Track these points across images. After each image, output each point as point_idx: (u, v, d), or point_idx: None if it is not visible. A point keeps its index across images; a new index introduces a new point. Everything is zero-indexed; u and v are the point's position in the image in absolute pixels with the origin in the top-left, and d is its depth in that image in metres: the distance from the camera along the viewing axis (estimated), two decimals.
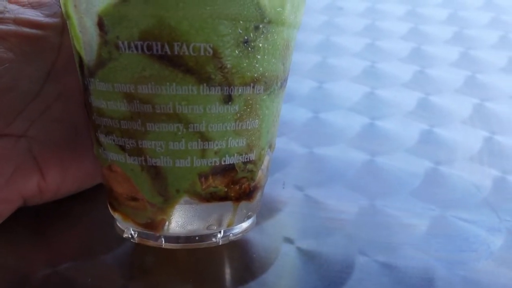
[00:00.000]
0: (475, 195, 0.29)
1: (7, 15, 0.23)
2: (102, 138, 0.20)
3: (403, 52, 0.47)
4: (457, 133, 0.35)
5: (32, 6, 0.24)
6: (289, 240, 0.25)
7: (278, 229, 0.26)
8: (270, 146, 0.22)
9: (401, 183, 0.30)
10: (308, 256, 0.24)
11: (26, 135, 0.23)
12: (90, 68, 0.19)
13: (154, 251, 0.24)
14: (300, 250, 0.24)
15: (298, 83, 0.40)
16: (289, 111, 0.36)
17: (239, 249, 0.24)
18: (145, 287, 0.22)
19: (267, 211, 0.27)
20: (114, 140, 0.20)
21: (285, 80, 0.22)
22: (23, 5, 0.24)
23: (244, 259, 0.24)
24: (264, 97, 0.20)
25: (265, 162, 0.22)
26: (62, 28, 0.24)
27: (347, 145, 0.33)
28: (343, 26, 0.52)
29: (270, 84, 0.20)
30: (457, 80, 0.42)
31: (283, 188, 0.29)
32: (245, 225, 0.23)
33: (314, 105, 0.38)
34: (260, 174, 0.22)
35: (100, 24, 0.18)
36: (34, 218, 0.25)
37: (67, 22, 0.20)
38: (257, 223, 0.26)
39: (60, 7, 0.24)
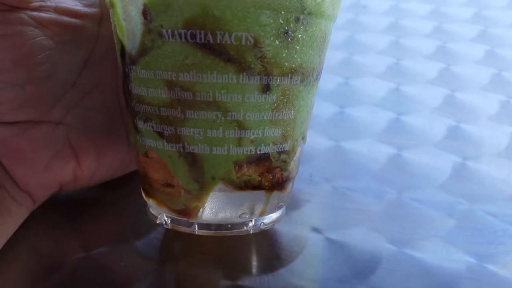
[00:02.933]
0: (503, 190, 0.29)
1: (48, 3, 0.23)
2: (140, 124, 0.21)
3: (428, 49, 0.47)
4: (484, 129, 0.35)
5: None
6: (317, 230, 0.25)
7: (307, 219, 0.26)
8: (303, 138, 0.22)
9: (428, 177, 0.30)
10: (336, 246, 0.24)
11: (63, 123, 0.23)
12: (132, 56, 0.20)
13: (185, 237, 0.24)
14: (328, 240, 0.25)
15: (324, 79, 0.40)
16: (315, 105, 0.36)
17: (268, 237, 0.25)
18: (176, 272, 0.23)
19: (295, 202, 0.27)
20: (152, 127, 0.20)
21: (320, 72, 0.22)
22: None
23: (274, 247, 0.24)
24: (301, 88, 0.20)
25: (297, 153, 0.22)
26: (100, 18, 0.24)
27: (373, 139, 0.33)
28: (368, 24, 0.52)
29: (306, 75, 0.20)
30: (483, 78, 0.42)
31: (311, 179, 0.29)
32: (275, 215, 0.23)
33: (340, 100, 0.38)
34: (292, 165, 0.22)
35: (145, 13, 0.19)
36: (67, 205, 0.26)
37: (110, 10, 0.21)
38: (286, 214, 0.26)
39: None
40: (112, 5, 0.20)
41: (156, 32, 0.19)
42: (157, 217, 0.22)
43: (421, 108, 0.37)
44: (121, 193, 0.27)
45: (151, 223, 0.24)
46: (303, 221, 0.26)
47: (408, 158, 0.31)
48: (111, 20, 0.21)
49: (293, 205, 0.27)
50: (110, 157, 0.25)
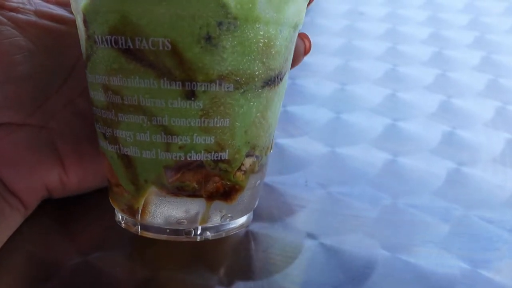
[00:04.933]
0: (498, 195, 0.29)
1: (28, 6, 0.23)
2: (95, 126, 0.22)
3: (425, 56, 0.47)
4: (479, 135, 0.35)
5: (58, 3, 0.25)
6: (312, 236, 0.25)
7: (302, 225, 0.26)
8: (254, 148, 0.21)
9: (424, 182, 0.30)
10: (331, 252, 0.24)
11: (48, 127, 0.24)
12: (84, 62, 0.21)
13: (181, 243, 0.24)
14: (323, 245, 0.25)
15: (320, 85, 0.41)
16: (311, 112, 0.37)
17: (264, 243, 0.25)
18: (172, 277, 0.23)
19: (290, 208, 0.27)
20: (99, 128, 0.21)
21: (271, 80, 0.21)
22: (48, 1, 0.25)
23: (269, 252, 0.24)
24: (237, 95, 0.20)
25: (247, 164, 0.21)
26: None
27: (369, 145, 0.33)
28: (365, 30, 0.52)
29: (244, 82, 0.20)
30: (479, 84, 0.42)
31: (306, 185, 0.29)
32: (230, 224, 0.22)
33: (336, 106, 0.38)
34: (240, 175, 0.21)
35: (84, 21, 0.20)
36: (62, 211, 0.26)
37: None
38: (280, 219, 0.26)
39: None
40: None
41: (92, 39, 0.19)
42: (116, 216, 0.23)
43: (417, 114, 0.37)
44: None
45: None
46: (298, 226, 0.26)
47: (404, 164, 0.31)
48: None
49: (288, 211, 0.27)
50: (96, 164, 0.25)
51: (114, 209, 0.23)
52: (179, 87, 0.19)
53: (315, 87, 0.40)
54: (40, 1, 0.24)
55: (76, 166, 0.24)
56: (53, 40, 0.24)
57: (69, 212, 0.26)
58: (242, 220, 0.23)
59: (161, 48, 0.18)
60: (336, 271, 0.23)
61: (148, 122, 0.19)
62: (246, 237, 0.25)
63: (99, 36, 0.19)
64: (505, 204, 0.28)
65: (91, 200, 0.27)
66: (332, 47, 0.48)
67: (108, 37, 0.19)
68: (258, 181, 0.23)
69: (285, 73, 0.22)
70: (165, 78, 0.19)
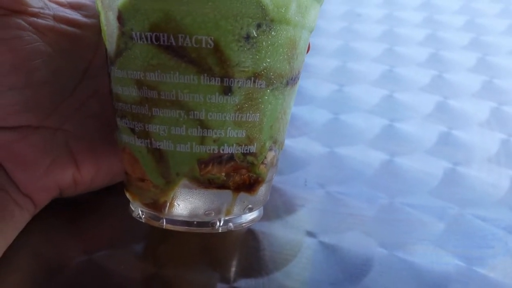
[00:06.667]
0: (492, 194, 0.29)
1: (47, 11, 0.24)
2: (118, 121, 0.22)
3: (421, 57, 0.47)
4: (474, 135, 0.35)
5: (72, 7, 0.25)
6: (311, 234, 0.26)
7: (301, 224, 0.27)
8: (275, 142, 0.23)
9: (420, 182, 0.30)
10: (329, 250, 0.25)
11: (62, 129, 0.24)
12: (111, 58, 0.21)
13: (183, 241, 0.25)
14: (322, 243, 0.25)
15: (318, 86, 0.41)
16: (310, 112, 0.37)
17: (264, 241, 0.25)
18: (174, 275, 0.23)
19: (290, 207, 0.28)
20: (126, 123, 0.21)
21: (293, 79, 0.22)
22: (62, 5, 0.25)
23: (269, 251, 0.25)
24: (267, 92, 0.21)
25: (269, 158, 0.22)
26: (99, 29, 0.25)
27: (366, 145, 0.34)
28: (362, 32, 0.53)
29: (273, 80, 0.21)
30: (474, 85, 0.42)
31: (305, 185, 0.30)
32: (248, 216, 0.23)
33: (334, 107, 0.38)
34: (262, 168, 0.22)
35: (119, 18, 0.20)
36: (68, 210, 0.27)
37: (99, 17, 0.22)
38: (280, 218, 0.27)
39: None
40: (99, 12, 0.22)
41: (128, 35, 0.20)
42: (134, 211, 0.23)
43: (414, 114, 0.38)
44: (121, 197, 0.27)
45: (150, 227, 0.25)
46: (298, 225, 0.26)
47: (400, 164, 0.32)
48: (100, 26, 0.23)
49: (288, 210, 0.27)
50: (108, 162, 0.25)
51: (121, 206, 0.24)
52: (218, 83, 0.20)
53: (313, 88, 0.41)
54: (56, 6, 0.25)
55: (89, 165, 0.25)
56: (69, 44, 0.24)
57: (75, 211, 0.27)
58: (257, 212, 0.24)
59: (204, 45, 0.19)
60: (334, 268, 0.24)
61: (185, 116, 0.20)
62: (247, 235, 0.25)
63: (138, 33, 0.20)
64: (499, 203, 0.29)
65: (96, 198, 0.27)
66: (330, 49, 0.48)
67: (149, 34, 0.19)
68: (273, 174, 0.24)
69: (301, 73, 0.23)
70: (205, 74, 0.19)
